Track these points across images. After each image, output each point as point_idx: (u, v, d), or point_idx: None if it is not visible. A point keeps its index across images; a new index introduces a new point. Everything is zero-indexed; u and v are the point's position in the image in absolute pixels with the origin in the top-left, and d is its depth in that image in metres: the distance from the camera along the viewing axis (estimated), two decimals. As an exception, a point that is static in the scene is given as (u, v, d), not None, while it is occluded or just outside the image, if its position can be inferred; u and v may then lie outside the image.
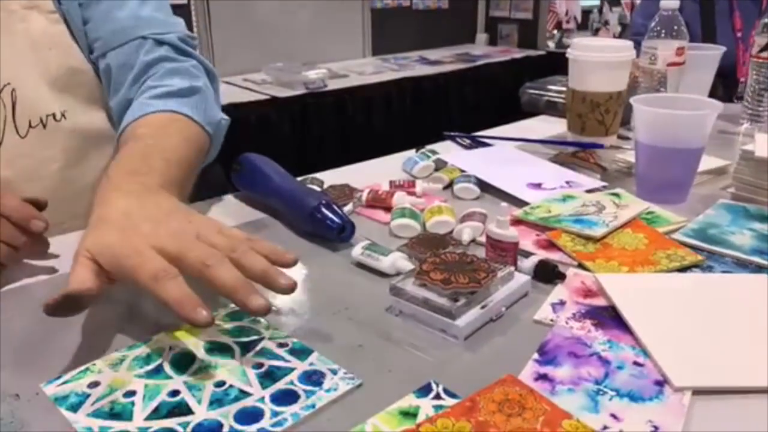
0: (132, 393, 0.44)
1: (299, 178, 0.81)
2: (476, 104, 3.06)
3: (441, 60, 3.21)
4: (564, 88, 1.12)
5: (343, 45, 3.22)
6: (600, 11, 4.49)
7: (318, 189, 0.79)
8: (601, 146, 0.92)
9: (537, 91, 1.21)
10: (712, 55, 1.11)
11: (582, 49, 0.94)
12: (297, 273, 0.63)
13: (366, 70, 2.94)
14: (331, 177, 0.86)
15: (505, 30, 3.72)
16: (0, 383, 0.45)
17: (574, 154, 0.91)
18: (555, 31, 3.68)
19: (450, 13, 3.61)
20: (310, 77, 2.56)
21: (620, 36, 4.31)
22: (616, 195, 0.75)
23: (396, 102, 2.82)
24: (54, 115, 0.72)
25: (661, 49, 1.00)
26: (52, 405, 0.43)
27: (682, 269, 0.60)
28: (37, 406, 0.43)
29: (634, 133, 0.78)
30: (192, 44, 0.81)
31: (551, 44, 3.63)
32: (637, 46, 1.00)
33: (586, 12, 4.32)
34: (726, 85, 1.28)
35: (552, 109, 1.18)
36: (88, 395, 0.44)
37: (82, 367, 0.47)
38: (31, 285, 0.59)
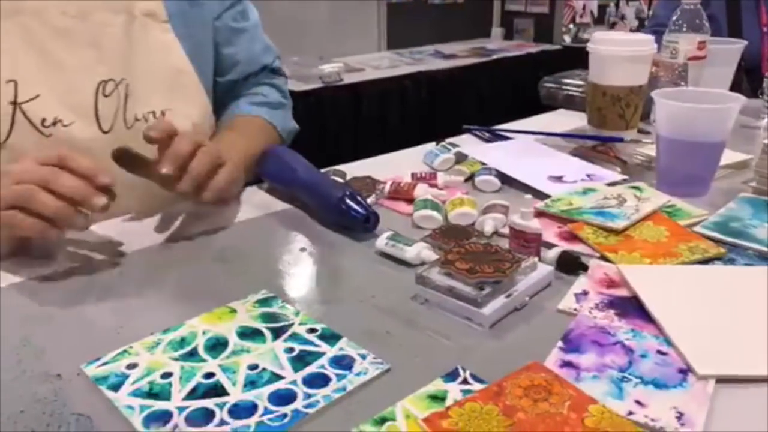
0: (169, 374, 0.45)
1: (322, 170, 0.82)
2: (491, 99, 3.05)
3: (456, 54, 3.20)
4: (583, 82, 1.12)
5: (358, 39, 3.23)
6: (617, 5, 4.46)
7: (341, 181, 0.81)
8: (621, 140, 0.93)
9: (556, 85, 1.22)
10: (733, 49, 1.11)
11: (603, 42, 0.94)
12: (324, 263, 0.64)
13: (381, 64, 2.95)
14: (352, 169, 0.87)
15: (521, 24, 3.71)
16: (43, 364, 0.47)
17: (594, 148, 0.91)
18: (571, 26, 3.66)
19: (465, 7, 3.61)
20: (326, 71, 2.57)
21: (637, 30, 4.28)
22: (637, 188, 0.76)
23: (411, 96, 2.82)
24: (154, 113, 0.78)
25: (682, 42, 1.00)
26: (93, 385, 0.45)
27: (704, 261, 0.61)
28: (79, 385, 0.45)
29: (655, 126, 0.78)
30: (280, 66, 1.01)
31: (567, 39, 3.61)
32: (658, 37, 1.00)
33: (603, 6, 4.30)
34: (751, 79, 1.27)
35: (571, 103, 1.18)
36: (127, 376, 0.45)
37: (120, 350, 0.48)
38: (71, 270, 0.61)
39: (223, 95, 0.94)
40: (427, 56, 3.18)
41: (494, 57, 3.17)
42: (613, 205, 0.71)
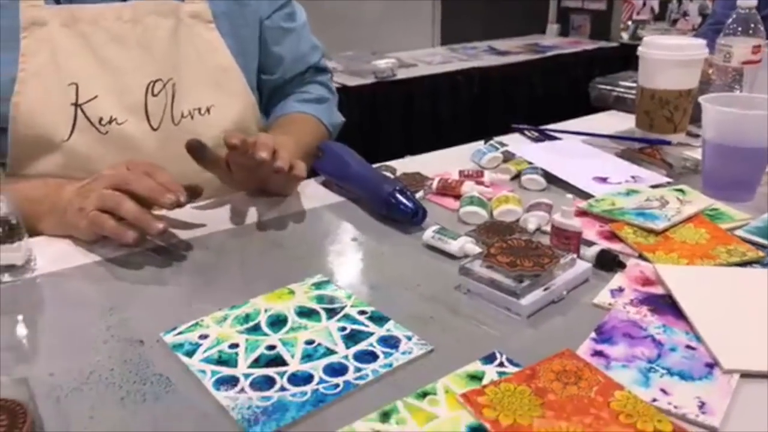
0: (236, 345, 0.51)
1: (374, 165, 0.87)
2: (544, 96, 3.03)
3: (510, 50, 3.19)
4: (634, 84, 1.13)
5: (412, 34, 3.26)
6: (679, 1, 4.34)
7: (392, 176, 0.85)
8: (668, 143, 0.94)
9: (607, 86, 1.22)
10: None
11: (652, 47, 0.95)
12: (374, 252, 0.69)
13: (434, 59, 2.97)
14: (402, 165, 0.91)
15: (578, 20, 3.66)
16: (127, 331, 0.53)
17: (641, 150, 0.93)
18: (629, 23, 3.59)
19: (521, 3, 3.58)
20: (379, 66, 2.61)
21: (700, 27, 4.15)
22: (681, 191, 0.78)
23: (463, 92, 2.84)
24: (200, 110, 0.84)
25: (736, 46, 1.00)
26: (170, 351, 0.51)
27: (742, 264, 0.63)
28: (159, 350, 0.51)
29: (702, 130, 0.80)
30: (326, 63, 1.06)
31: (625, 36, 3.55)
32: (716, 35, 1.00)
33: (665, 2, 4.19)
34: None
35: (621, 104, 1.19)
36: (200, 345, 0.51)
37: (192, 322, 0.54)
38: (148, 250, 0.68)
39: (271, 94, 1.01)
40: (480, 52, 3.18)
41: (548, 54, 3.15)
42: (655, 207, 0.73)
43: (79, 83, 0.77)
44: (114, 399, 0.45)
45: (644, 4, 3.73)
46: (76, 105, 0.77)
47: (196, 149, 0.71)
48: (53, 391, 0.46)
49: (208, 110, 0.85)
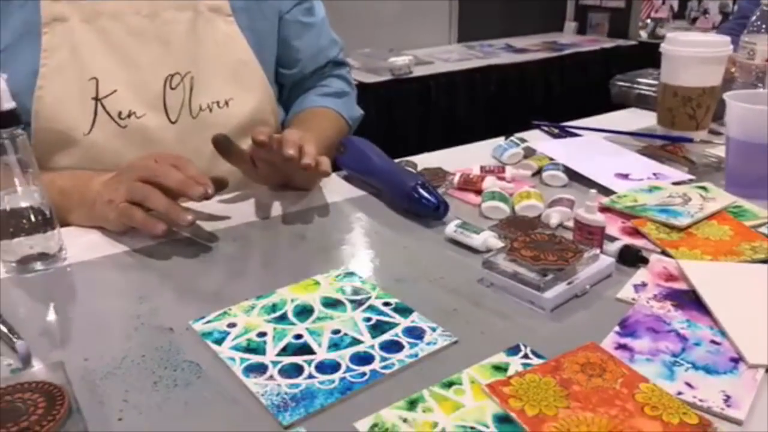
0: (263, 334, 0.52)
1: (395, 160, 0.88)
2: (562, 94, 3.03)
3: (527, 48, 3.18)
4: (656, 81, 1.13)
5: (429, 32, 3.26)
6: (699, -1, 4.29)
7: (413, 171, 0.86)
8: (690, 140, 0.94)
9: (628, 83, 1.22)
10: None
11: (675, 43, 0.95)
12: (396, 246, 0.70)
13: (451, 57, 2.97)
14: (423, 161, 0.92)
15: (596, 19, 3.64)
16: (158, 319, 0.55)
17: (663, 147, 0.93)
18: (648, 21, 3.56)
19: (539, 0, 3.57)
20: (396, 64, 2.62)
21: (720, 25, 4.11)
22: (704, 188, 0.77)
23: (480, 90, 2.83)
24: (218, 103, 0.86)
25: (760, 44, 0.99)
26: (199, 338, 0.52)
27: (766, 261, 0.62)
28: (188, 338, 0.52)
29: (725, 127, 0.79)
30: (344, 57, 1.07)
31: (643, 34, 3.52)
32: (743, 29, 0.99)
33: (684, 0, 4.14)
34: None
35: (643, 102, 1.18)
36: (228, 333, 0.52)
37: (221, 311, 0.55)
38: (176, 241, 0.69)
39: (291, 88, 1.02)
40: (497, 50, 3.18)
41: (566, 52, 3.14)
42: (678, 203, 0.73)
43: (99, 78, 0.78)
44: (147, 384, 0.46)
45: (663, 2, 3.69)
46: (96, 99, 0.78)
47: (222, 143, 0.72)
48: (88, 375, 0.47)
49: (226, 103, 0.86)
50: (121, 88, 0.80)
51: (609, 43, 3.36)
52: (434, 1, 3.24)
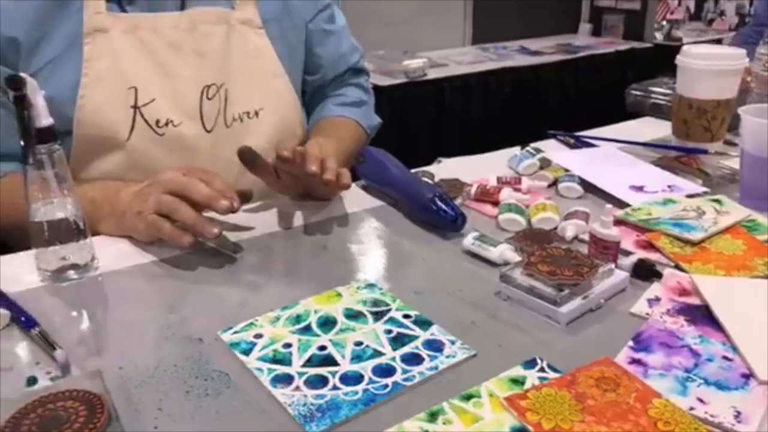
0: (289, 345, 0.54)
1: (411, 171, 0.90)
2: (576, 96, 3.03)
3: (542, 50, 3.18)
4: (670, 91, 1.13)
5: (444, 33, 3.27)
6: (716, 0, 4.26)
7: (430, 182, 0.88)
8: (705, 152, 0.94)
9: (642, 93, 1.23)
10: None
11: (691, 56, 0.96)
12: (414, 257, 0.72)
13: (465, 59, 2.98)
14: (440, 170, 0.94)
15: (611, 20, 3.62)
16: (187, 329, 0.57)
17: (678, 159, 0.94)
18: (664, 22, 3.54)
19: (553, 2, 3.57)
20: (410, 66, 2.64)
21: (737, 27, 4.07)
22: (718, 201, 0.79)
23: (494, 92, 2.84)
24: (248, 113, 0.89)
25: (776, 55, 1.00)
26: (227, 349, 0.54)
27: (779, 276, 0.64)
28: (217, 348, 0.54)
29: (741, 141, 0.80)
30: (364, 64, 1.09)
31: (659, 36, 3.50)
32: (759, 36, 1.00)
33: (700, 1, 4.12)
34: None
35: (657, 111, 1.19)
36: (255, 344, 0.55)
37: (247, 322, 0.58)
38: (203, 251, 0.71)
39: (312, 95, 1.04)
40: (511, 52, 3.18)
41: (580, 54, 3.14)
42: (692, 217, 0.74)
43: (138, 87, 0.81)
44: (179, 393, 0.49)
45: (679, 4, 3.67)
46: (135, 107, 0.81)
47: (247, 156, 0.75)
48: (124, 384, 0.50)
49: (256, 113, 0.89)
50: (159, 98, 0.82)
51: (624, 45, 3.36)
52: (448, 2, 3.25)
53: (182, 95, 0.84)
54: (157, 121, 0.82)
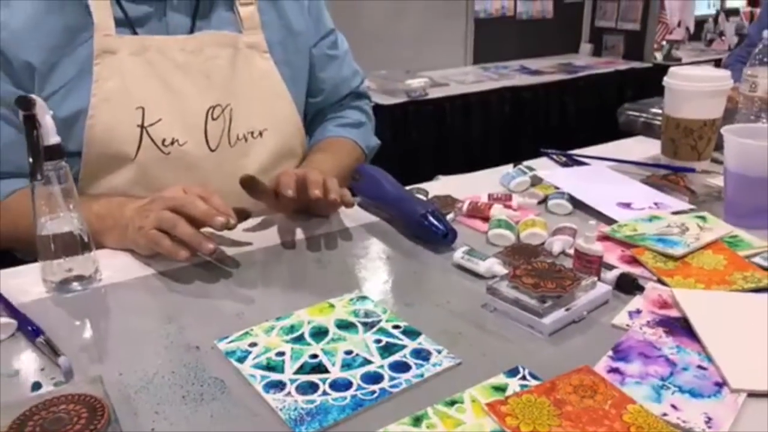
0: (282, 353, 0.57)
1: (406, 187, 0.93)
2: (576, 116, 3.06)
3: (542, 70, 3.23)
4: (661, 111, 1.16)
5: (445, 53, 3.32)
6: (715, 21, 4.31)
7: (424, 198, 0.91)
8: (692, 170, 0.97)
9: (635, 112, 1.26)
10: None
11: (677, 77, 0.99)
12: (406, 271, 0.74)
13: (466, 78, 3.03)
14: (434, 187, 0.96)
15: (611, 41, 3.68)
16: (184, 338, 0.59)
17: (666, 177, 0.96)
18: (664, 43, 3.59)
19: (554, 22, 3.62)
20: (412, 86, 2.68)
21: (736, 47, 4.11)
22: (702, 218, 0.81)
23: (494, 111, 2.88)
24: (252, 133, 0.92)
25: (761, 76, 1.03)
26: (223, 357, 0.57)
27: (757, 290, 0.66)
28: (213, 356, 0.57)
29: (724, 160, 0.83)
30: (365, 88, 1.13)
31: (659, 56, 3.55)
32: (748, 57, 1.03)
33: (701, 22, 4.16)
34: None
35: (649, 130, 1.22)
36: (250, 352, 0.57)
37: (243, 331, 0.60)
38: (200, 264, 0.74)
39: (313, 116, 1.08)
40: (512, 71, 3.23)
41: (581, 74, 3.18)
42: (675, 233, 0.76)
43: (146, 107, 0.84)
44: (176, 397, 0.51)
45: (679, 24, 3.72)
46: (142, 127, 0.84)
47: (249, 183, 0.77)
48: (123, 389, 0.52)
49: (260, 133, 0.92)
50: (166, 117, 0.85)
51: (624, 65, 3.40)
52: (450, 22, 3.30)
53: (188, 115, 0.87)
54: (163, 140, 0.85)
